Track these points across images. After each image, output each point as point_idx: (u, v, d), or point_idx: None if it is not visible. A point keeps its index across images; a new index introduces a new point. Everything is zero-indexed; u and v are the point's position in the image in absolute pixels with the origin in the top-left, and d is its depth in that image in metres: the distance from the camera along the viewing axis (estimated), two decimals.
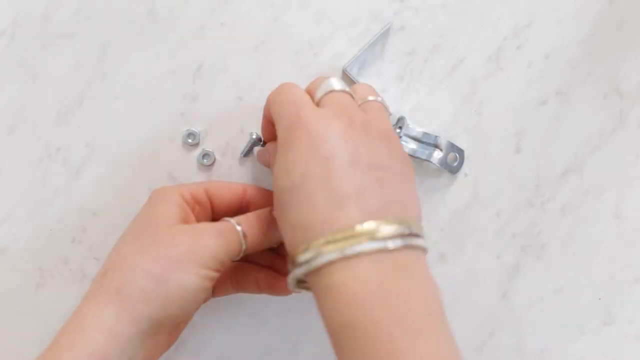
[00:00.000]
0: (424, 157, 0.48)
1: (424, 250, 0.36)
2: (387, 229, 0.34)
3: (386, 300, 0.33)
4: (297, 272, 0.35)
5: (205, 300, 0.40)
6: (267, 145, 0.44)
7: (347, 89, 0.40)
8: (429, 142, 0.48)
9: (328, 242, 0.34)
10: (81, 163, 0.48)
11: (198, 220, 0.42)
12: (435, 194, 0.49)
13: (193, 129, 0.47)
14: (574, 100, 0.49)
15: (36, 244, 0.47)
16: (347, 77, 0.48)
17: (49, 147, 0.47)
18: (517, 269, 0.49)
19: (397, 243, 0.34)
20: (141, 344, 0.37)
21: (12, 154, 0.47)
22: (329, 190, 0.35)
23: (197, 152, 0.48)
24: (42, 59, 0.47)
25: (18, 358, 0.48)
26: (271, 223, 0.41)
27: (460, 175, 0.49)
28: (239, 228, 0.40)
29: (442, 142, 0.48)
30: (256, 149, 0.47)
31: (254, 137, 0.46)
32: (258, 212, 0.42)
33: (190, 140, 0.47)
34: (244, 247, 0.40)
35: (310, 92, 0.40)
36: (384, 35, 0.48)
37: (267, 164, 0.44)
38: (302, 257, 0.34)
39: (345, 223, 0.34)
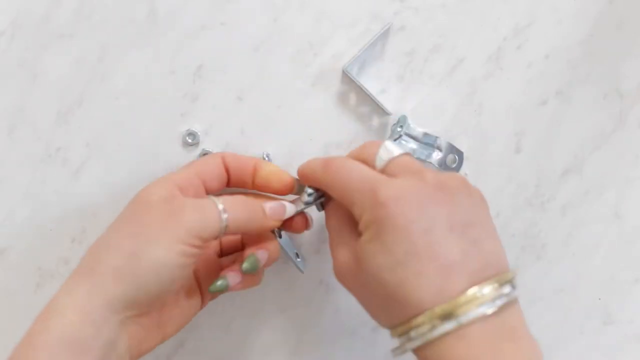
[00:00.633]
0: (423, 157, 0.48)
1: (517, 300, 0.37)
2: (492, 290, 0.34)
3: None
4: (409, 346, 0.35)
5: (184, 280, 0.39)
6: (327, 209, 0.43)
7: (404, 150, 0.39)
8: (429, 142, 0.48)
9: (443, 312, 0.34)
10: (81, 163, 0.48)
11: None
12: None
13: (193, 128, 0.47)
14: (574, 100, 0.49)
15: (36, 244, 0.47)
16: (347, 77, 0.48)
17: (49, 147, 0.47)
18: (517, 269, 0.49)
19: (503, 301, 0.35)
20: (121, 327, 0.36)
21: (12, 154, 0.47)
22: (436, 261, 0.35)
23: (197, 152, 0.48)
24: (42, 59, 0.47)
25: None
26: (256, 208, 0.41)
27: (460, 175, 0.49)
28: (220, 205, 0.39)
29: (442, 143, 0.48)
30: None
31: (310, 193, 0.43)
32: (243, 196, 0.41)
33: (190, 140, 0.47)
34: (224, 224, 0.38)
35: (364, 161, 0.40)
36: (384, 35, 0.48)
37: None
38: (417, 331, 0.34)
39: (455, 291, 0.34)
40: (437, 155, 0.48)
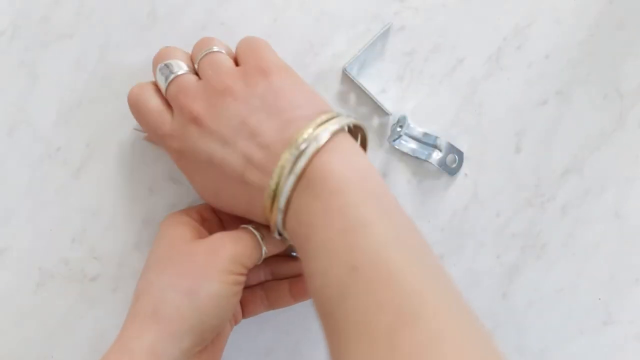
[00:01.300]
0: (423, 157, 0.48)
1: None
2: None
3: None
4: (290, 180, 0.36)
5: (236, 306, 0.41)
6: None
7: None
8: (428, 142, 0.48)
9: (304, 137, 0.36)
10: (81, 163, 0.48)
11: (210, 233, 0.42)
12: (435, 194, 0.49)
13: None
14: (574, 100, 0.49)
15: (36, 244, 0.47)
16: (347, 77, 0.48)
17: (49, 147, 0.47)
18: (517, 269, 0.49)
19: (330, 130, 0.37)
20: None
21: (12, 154, 0.47)
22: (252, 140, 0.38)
23: None
24: (42, 59, 0.47)
25: (18, 358, 0.48)
26: None
27: (460, 175, 0.49)
28: (257, 233, 0.40)
29: (442, 143, 0.48)
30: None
31: None
32: None
33: None
34: (264, 249, 0.40)
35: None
36: (384, 35, 0.48)
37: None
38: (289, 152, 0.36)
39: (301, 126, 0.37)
40: (437, 155, 0.48)
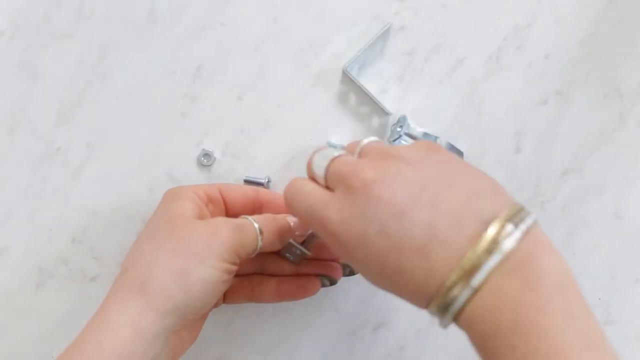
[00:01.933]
0: None
1: (535, 220, 0.33)
2: (499, 229, 0.31)
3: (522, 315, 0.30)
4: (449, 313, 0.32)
5: (222, 292, 0.40)
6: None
7: (332, 153, 0.38)
8: None
9: (471, 265, 0.31)
10: (81, 163, 0.48)
11: (213, 216, 0.42)
12: None
13: (208, 149, 0.48)
14: (574, 100, 0.49)
15: (36, 244, 0.47)
16: (347, 77, 0.48)
17: (49, 147, 0.47)
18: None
19: (516, 236, 0.31)
20: (166, 341, 0.38)
21: (12, 154, 0.47)
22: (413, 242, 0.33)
23: (197, 152, 0.48)
24: (42, 59, 0.47)
25: (18, 358, 0.48)
26: (285, 225, 0.42)
27: None
28: (256, 225, 0.40)
29: (442, 143, 0.48)
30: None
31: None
32: (274, 215, 0.42)
33: (205, 161, 0.47)
34: (259, 243, 0.40)
35: (311, 176, 0.38)
36: (384, 35, 0.48)
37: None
38: (450, 294, 0.32)
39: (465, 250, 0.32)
40: None
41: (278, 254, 0.44)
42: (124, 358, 0.36)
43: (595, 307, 0.50)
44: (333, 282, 0.46)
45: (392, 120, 0.48)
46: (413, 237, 0.32)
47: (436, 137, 0.48)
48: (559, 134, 0.49)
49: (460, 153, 0.48)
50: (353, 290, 0.48)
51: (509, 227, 0.31)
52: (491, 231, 0.31)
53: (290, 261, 0.45)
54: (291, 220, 0.42)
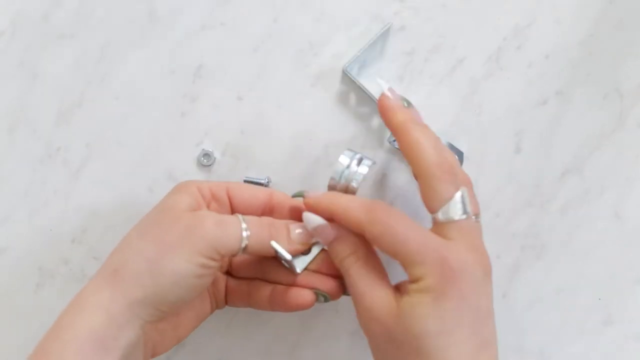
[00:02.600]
0: None
1: None
2: None
3: None
4: None
5: (202, 290, 0.39)
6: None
7: (469, 206, 0.39)
8: None
9: None
10: (81, 163, 0.48)
11: None
12: None
13: (207, 149, 0.48)
14: (574, 100, 0.49)
15: (36, 244, 0.47)
16: (347, 77, 0.48)
17: (49, 147, 0.47)
18: (517, 269, 0.49)
19: None
20: (140, 329, 0.37)
21: (12, 154, 0.47)
22: (475, 338, 0.37)
23: (197, 152, 0.48)
24: (42, 59, 0.47)
25: (18, 358, 0.48)
26: (280, 232, 0.40)
27: None
28: (243, 224, 0.39)
29: (442, 143, 0.48)
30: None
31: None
32: (273, 219, 0.41)
33: (205, 161, 0.47)
34: (244, 243, 0.39)
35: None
36: (384, 35, 0.48)
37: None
38: None
39: None
40: None
41: (279, 261, 0.43)
42: (98, 341, 0.35)
43: (595, 307, 0.50)
44: (328, 300, 0.43)
45: None
46: (488, 331, 0.38)
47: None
48: (559, 134, 0.49)
49: (460, 153, 0.48)
50: None
51: None
52: None
53: (288, 269, 0.42)
54: (295, 228, 0.41)
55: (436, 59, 0.49)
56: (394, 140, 0.47)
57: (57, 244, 0.48)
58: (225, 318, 0.49)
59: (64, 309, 0.37)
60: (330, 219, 0.40)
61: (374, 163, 0.43)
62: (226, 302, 0.44)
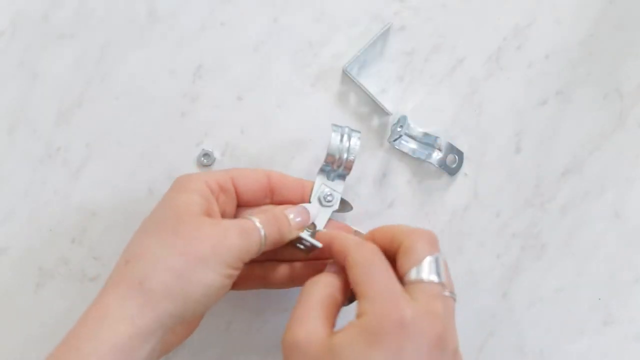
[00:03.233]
0: (423, 157, 0.48)
1: None
2: None
3: None
4: None
5: (224, 295, 0.40)
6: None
7: (442, 274, 0.38)
8: (428, 142, 0.48)
9: None
10: (81, 163, 0.48)
11: (222, 209, 0.42)
12: (435, 194, 0.49)
13: (207, 149, 0.48)
14: (574, 100, 0.49)
15: (36, 244, 0.47)
16: (347, 77, 0.48)
17: (49, 147, 0.47)
18: (517, 269, 0.49)
19: None
20: (162, 337, 0.38)
21: (12, 154, 0.47)
22: None
23: (197, 152, 0.48)
24: (42, 59, 0.47)
25: (18, 358, 0.48)
26: (285, 222, 0.41)
27: (460, 175, 0.49)
28: (262, 231, 0.40)
29: (442, 143, 0.48)
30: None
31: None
32: (275, 211, 0.42)
33: (205, 161, 0.47)
34: (263, 247, 0.40)
35: (392, 247, 0.39)
36: (384, 35, 0.48)
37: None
38: None
39: None
40: (437, 155, 0.48)
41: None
42: (121, 353, 0.35)
43: (595, 307, 0.50)
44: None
45: (392, 120, 0.48)
46: None
47: (436, 137, 0.48)
48: (559, 134, 0.49)
49: (460, 153, 0.48)
50: None
51: None
52: None
53: (301, 250, 0.43)
54: (290, 212, 0.42)
55: (436, 59, 0.49)
56: (395, 140, 0.47)
57: (57, 244, 0.48)
58: (225, 318, 0.49)
59: (80, 318, 0.37)
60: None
61: (360, 133, 0.44)
62: (237, 287, 0.44)
